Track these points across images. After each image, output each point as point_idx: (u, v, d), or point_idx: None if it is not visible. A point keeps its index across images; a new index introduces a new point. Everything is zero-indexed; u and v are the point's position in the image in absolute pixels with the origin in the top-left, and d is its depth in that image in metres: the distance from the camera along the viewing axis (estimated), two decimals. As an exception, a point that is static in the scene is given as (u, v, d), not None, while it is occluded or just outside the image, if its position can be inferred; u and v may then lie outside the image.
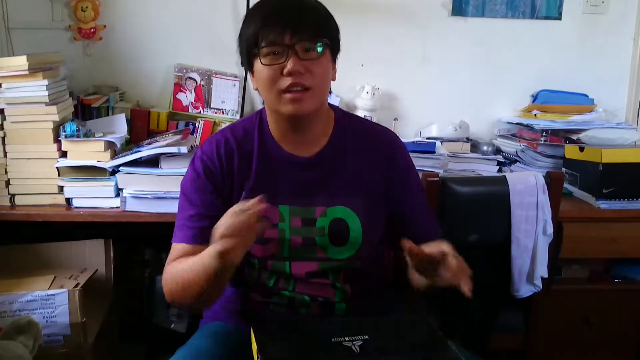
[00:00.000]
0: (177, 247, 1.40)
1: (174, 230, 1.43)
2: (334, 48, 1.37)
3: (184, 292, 1.33)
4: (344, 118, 1.48)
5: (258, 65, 1.32)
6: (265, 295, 1.45)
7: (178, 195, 1.90)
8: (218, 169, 1.41)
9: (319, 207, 1.40)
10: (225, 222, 1.17)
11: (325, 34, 1.34)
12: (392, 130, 1.86)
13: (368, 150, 1.45)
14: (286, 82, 1.29)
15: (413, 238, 1.37)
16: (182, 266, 1.33)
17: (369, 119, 2.32)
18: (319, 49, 1.31)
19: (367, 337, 1.15)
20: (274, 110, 1.38)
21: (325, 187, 1.41)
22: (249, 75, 1.41)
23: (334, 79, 1.41)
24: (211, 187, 1.41)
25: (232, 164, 1.41)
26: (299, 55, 1.29)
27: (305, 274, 1.42)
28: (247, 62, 1.37)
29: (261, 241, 1.39)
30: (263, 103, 1.44)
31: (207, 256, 1.23)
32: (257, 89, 1.38)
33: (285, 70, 1.29)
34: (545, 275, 1.92)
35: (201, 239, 1.35)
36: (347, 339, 1.15)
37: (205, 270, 1.24)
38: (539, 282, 1.92)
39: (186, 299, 1.34)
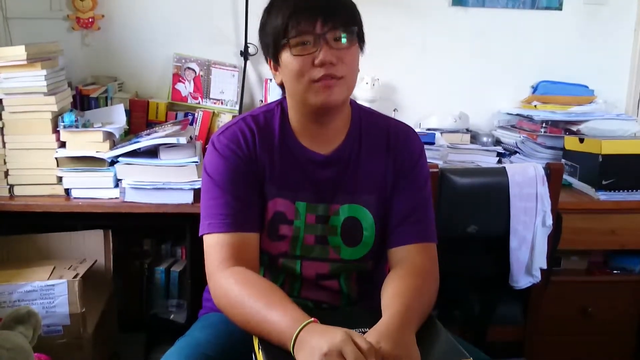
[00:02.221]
0: (216, 241, 1.30)
1: (203, 219, 1.33)
2: (361, 37, 1.34)
3: (234, 319, 1.24)
4: (360, 113, 1.45)
5: (286, 56, 1.27)
6: None
7: (177, 187, 1.95)
8: (245, 153, 1.35)
9: (334, 205, 1.38)
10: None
11: (355, 22, 1.31)
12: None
13: (381, 148, 1.41)
14: (318, 73, 1.25)
15: (395, 240, 1.37)
16: (253, 304, 1.19)
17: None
18: (350, 37, 1.28)
19: (366, 329, 1.15)
20: (300, 102, 1.33)
21: (340, 185, 1.38)
22: (271, 71, 1.36)
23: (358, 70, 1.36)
24: (240, 172, 1.34)
25: (255, 150, 1.36)
26: (329, 44, 1.25)
27: (316, 275, 1.40)
28: (274, 55, 1.31)
29: (275, 238, 1.37)
30: (283, 94, 1.38)
31: (286, 336, 1.12)
32: (281, 84, 1.34)
33: (317, 61, 1.25)
34: (544, 267, 1.93)
35: (240, 226, 1.31)
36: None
37: (272, 336, 1.15)
38: (537, 274, 1.92)
39: (232, 319, 1.26)
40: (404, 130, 1.45)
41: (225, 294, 1.25)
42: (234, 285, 1.23)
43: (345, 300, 1.43)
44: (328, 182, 1.38)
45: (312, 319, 1.13)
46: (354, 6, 1.33)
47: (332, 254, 1.39)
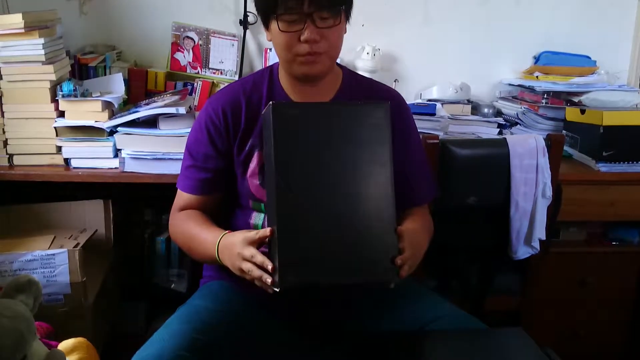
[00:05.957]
0: (181, 195, 1.53)
1: (180, 172, 1.54)
2: (348, 9, 1.39)
3: (188, 252, 1.50)
4: (350, 76, 1.54)
5: (274, 27, 1.34)
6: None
7: (176, 157, 1.95)
8: (222, 124, 1.45)
9: None
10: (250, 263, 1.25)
11: (343, 0, 1.35)
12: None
13: None
14: (302, 48, 1.33)
15: (408, 196, 1.49)
16: (191, 233, 1.45)
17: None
18: (336, 16, 1.33)
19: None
20: (286, 69, 1.42)
21: None
22: (263, 28, 1.42)
23: (344, 32, 1.42)
24: (211, 142, 1.46)
25: (239, 116, 1.45)
26: (315, 23, 1.31)
27: None
28: (264, 22, 1.39)
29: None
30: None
31: (210, 255, 1.37)
32: (270, 40, 1.41)
33: (302, 38, 1.32)
34: (543, 238, 1.93)
35: (201, 190, 1.50)
36: None
37: (207, 259, 1.42)
38: (536, 244, 1.93)
39: (176, 242, 1.56)
40: (390, 92, 1.58)
41: (173, 231, 1.53)
42: (179, 220, 1.50)
43: None
44: None
45: (227, 232, 1.36)
46: None
47: None
